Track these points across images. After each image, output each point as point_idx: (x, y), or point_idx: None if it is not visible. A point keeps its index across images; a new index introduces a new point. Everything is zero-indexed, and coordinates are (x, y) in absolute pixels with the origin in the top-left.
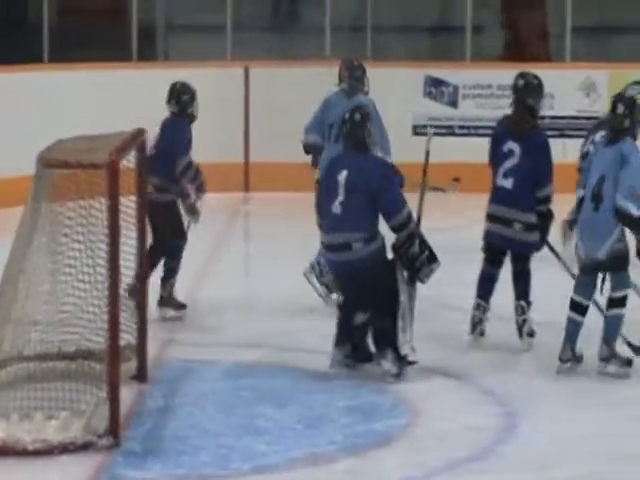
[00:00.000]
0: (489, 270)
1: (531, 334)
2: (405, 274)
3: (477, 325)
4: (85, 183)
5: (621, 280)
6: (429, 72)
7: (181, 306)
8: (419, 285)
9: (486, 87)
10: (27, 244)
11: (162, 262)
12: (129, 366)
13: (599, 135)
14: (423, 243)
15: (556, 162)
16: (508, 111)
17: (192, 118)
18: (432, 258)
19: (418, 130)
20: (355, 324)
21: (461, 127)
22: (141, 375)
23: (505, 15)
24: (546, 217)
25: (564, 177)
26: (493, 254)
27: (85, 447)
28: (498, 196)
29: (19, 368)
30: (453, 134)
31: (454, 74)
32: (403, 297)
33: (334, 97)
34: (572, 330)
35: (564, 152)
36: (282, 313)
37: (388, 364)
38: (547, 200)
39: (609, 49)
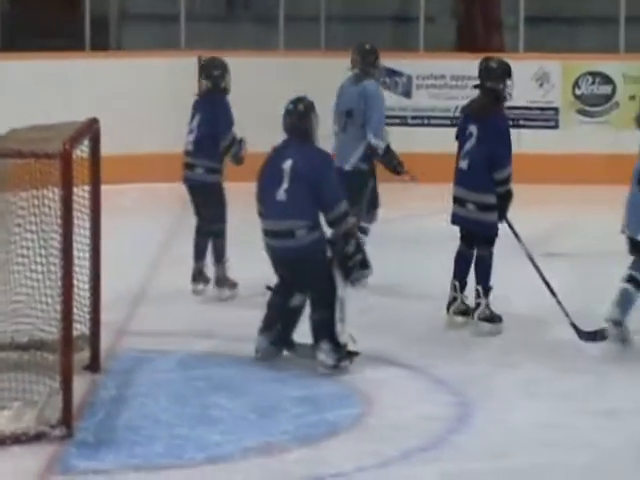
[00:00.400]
0: (463, 250)
1: (486, 319)
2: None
3: (450, 304)
4: (38, 173)
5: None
6: (383, 62)
7: (234, 285)
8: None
9: (440, 77)
10: None
11: (210, 244)
12: (82, 356)
13: None
14: (359, 247)
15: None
16: (462, 101)
17: (226, 92)
18: (365, 264)
19: None
20: (291, 306)
21: (414, 117)
22: (94, 365)
23: (458, 5)
24: (504, 197)
25: (520, 166)
26: (465, 235)
27: (38, 438)
28: (456, 178)
29: None
30: (406, 124)
31: (408, 64)
32: (341, 290)
33: (346, 83)
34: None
35: (519, 142)
36: (235, 303)
37: (323, 355)
38: (505, 182)
39: (562, 40)
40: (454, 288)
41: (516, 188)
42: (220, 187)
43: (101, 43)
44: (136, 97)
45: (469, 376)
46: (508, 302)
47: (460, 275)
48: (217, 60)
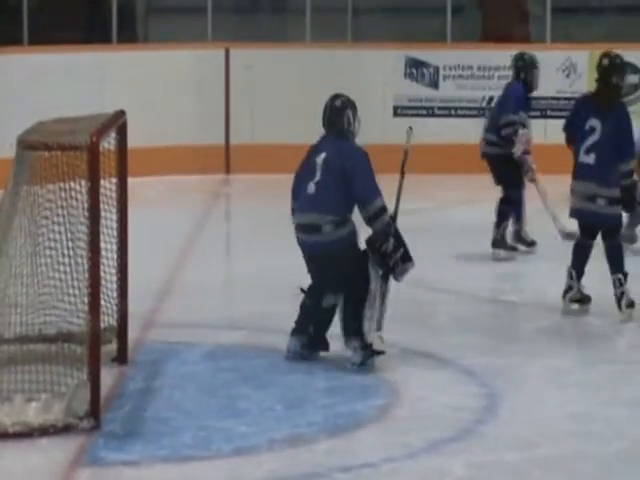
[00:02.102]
0: (583, 241)
1: (630, 305)
2: (379, 270)
3: (566, 292)
4: (65, 165)
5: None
6: (410, 53)
7: (512, 248)
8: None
9: (467, 68)
10: (7, 227)
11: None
12: (110, 348)
13: None
14: (398, 241)
15: (538, 142)
16: (490, 92)
17: (526, 83)
18: (406, 257)
19: (399, 111)
20: (324, 306)
21: (441, 108)
22: (121, 357)
23: None
24: (631, 188)
25: (547, 157)
26: (588, 227)
27: (66, 430)
28: (581, 172)
29: None
30: (434, 115)
31: (435, 55)
32: (373, 286)
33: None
34: None
35: (545, 133)
36: (262, 295)
37: (350, 352)
38: (631, 173)
39: (589, 30)
40: (571, 276)
41: (545, 179)
42: (506, 158)
43: (128, 36)
44: (163, 89)
45: (497, 366)
46: (540, 292)
47: (578, 264)
48: (523, 55)
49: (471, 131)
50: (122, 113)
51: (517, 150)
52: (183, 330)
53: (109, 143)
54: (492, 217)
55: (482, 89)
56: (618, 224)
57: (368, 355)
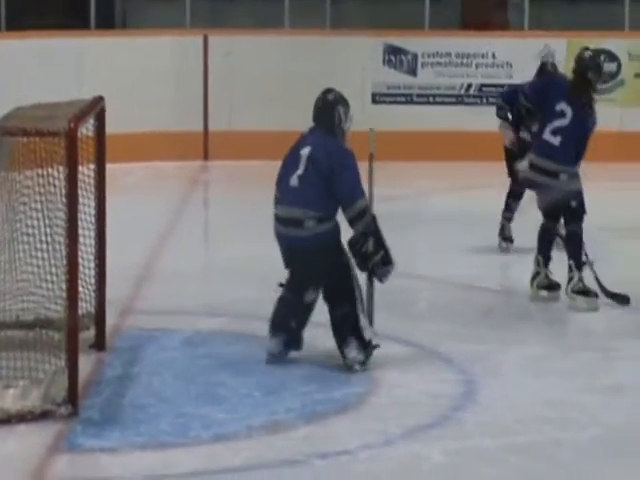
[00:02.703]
0: (545, 225)
1: (580, 292)
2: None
3: (534, 278)
4: (43, 151)
5: None
6: (388, 40)
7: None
8: None
9: (445, 55)
10: None
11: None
12: (88, 335)
13: None
14: (379, 242)
15: None
16: (468, 79)
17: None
18: (387, 259)
19: (377, 99)
20: (306, 302)
21: (420, 95)
22: (99, 344)
23: None
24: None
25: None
26: (548, 209)
27: (44, 416)
28: (545, 150)
29: None
30: (412, 102)
31: (413, 42)
32: (360, 282)
33: None
34: None
35: None
36: (240, 282)
37: (353, 352)
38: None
39: (567, 18)
40: (538, 263)
41: None
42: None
43: (106, 22)
44: (141, 76)
45: (475, 354)
46: (517, 280)
47: (544, 250)
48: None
49: (449, 118)
50: (100, 99)
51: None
52: (161, 317)
53: (87, 129)
54: (471, 204)
55: (460, 76)
56: (580, 203)
57: (370, 352)
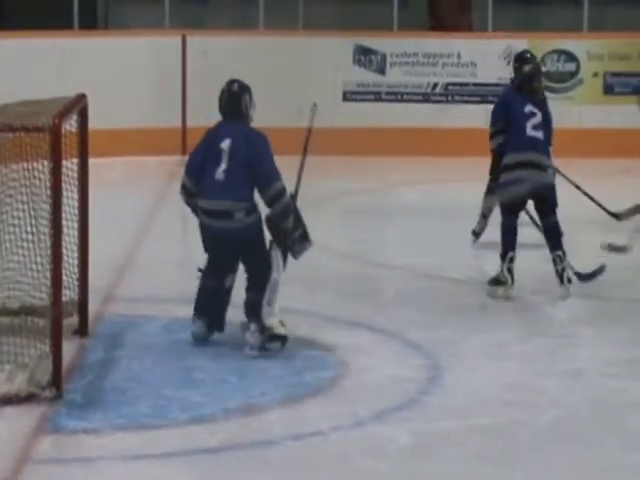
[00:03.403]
0: (508, 222)
1: (569, 280)
2: (279, 254)
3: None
4: (29, 146)
5: None
6: (358, 41)
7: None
8: (342, 244)
9: (412, 55)
10: None
11: None
12: (71, 321)
13: None
14: (298, 221)
15: (479, 127)
16: (434, 78)
17: None
18: (305, 237)
19: (348, 96)
20: (226, 286)
21: (388, 93)
22: (83, 330)
23: None
24: None
25: (486, 142)
26: (513, 205)
27: (29, 399)
28: (532, 145)
29: None
30: (381, 100)
31: (382, 43)
32: (275, 273)
33: None
34: None
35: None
36: None
37: (249, 335)
38: None
39: (528, 20)
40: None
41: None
42: None
43: (89, 23)
44: (123, 74)
45: (440, 340)
46: (480, 270)
47: (508, 246)
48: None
49: (416, 115)
50: (83, 96)
51: None
52: (141, 304)
53: (71, 125)
54: (437, 197)
55: (427, 75)
56: (555, 198)
57: (266, 339)
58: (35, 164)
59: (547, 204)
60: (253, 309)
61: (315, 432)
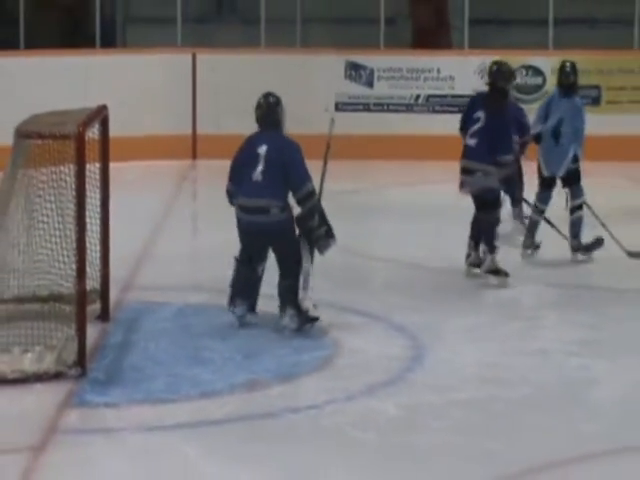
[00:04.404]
0: (475, 214)
1: (491, 272)
2: (307, 246)
3: (467, 258)
4: (56, 152)
5: (578, 191)
6: (349, 58)
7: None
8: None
9: (398, 70)
10: (6, 204)
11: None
12: (94, 308)
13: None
14: (323, 220)
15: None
16: (417, 90)
17: None
18: (330, 234)
19: (340, 107)
20: (258, 274)
21: (376, 104)
22: (104, 315)
23: (414, 8)
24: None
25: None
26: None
27: (56, 377)
28: (466, 152)
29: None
30: (369, 110)
31: (370, 59)
32: (306, 262)
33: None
34: (534, 225)
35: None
36: (224, 262)
37: (287, 319)
38: (507, 164)
39: (501, 38)
40: (470, 245)
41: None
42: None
43: (109, 42)
44: (139, 87)
45: (423, 323)
46: (458, 261)
47: (475, 234)
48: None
49: (401, 124)
50: (104, 107)
51: None
52: (157, 292)
53: (93, 133)
54: (420, 197)
55: (410, 88)
56: (493, 198)
57: (303, 321)
58: (62, 168)
59: (480, 200)
60: (289, 295)
61: (311, 405)
